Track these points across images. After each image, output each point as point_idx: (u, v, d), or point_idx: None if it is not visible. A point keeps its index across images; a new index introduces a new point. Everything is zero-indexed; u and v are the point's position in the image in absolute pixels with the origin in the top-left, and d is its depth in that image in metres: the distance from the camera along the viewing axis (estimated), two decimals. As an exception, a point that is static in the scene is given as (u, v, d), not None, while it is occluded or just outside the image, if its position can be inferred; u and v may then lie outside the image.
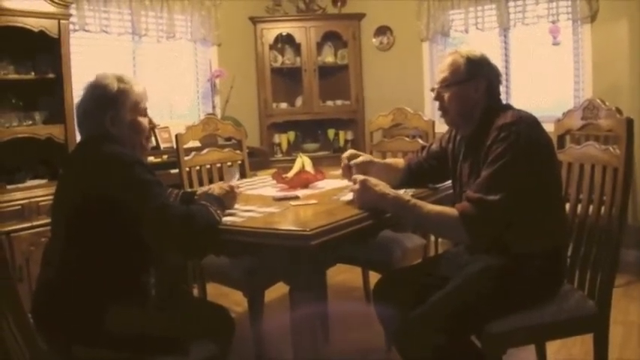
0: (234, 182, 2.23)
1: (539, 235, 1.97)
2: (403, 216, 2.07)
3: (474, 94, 2.08)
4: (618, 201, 1.97)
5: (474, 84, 2.07)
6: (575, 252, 2.15)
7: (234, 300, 3.16)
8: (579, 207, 2.19)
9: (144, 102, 1.99)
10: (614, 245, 1.98)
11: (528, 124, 1.95)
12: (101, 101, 1.91)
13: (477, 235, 1.91)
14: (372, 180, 2.10)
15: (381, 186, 2.06)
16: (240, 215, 2.04)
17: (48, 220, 3.20)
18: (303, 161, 2.73)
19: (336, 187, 2.60)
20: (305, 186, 2.60)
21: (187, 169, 3.04)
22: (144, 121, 2.00)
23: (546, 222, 1.98)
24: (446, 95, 2.10)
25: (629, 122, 1.95)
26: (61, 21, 3.45)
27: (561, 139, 2.37)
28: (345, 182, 2.68)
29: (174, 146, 3.10)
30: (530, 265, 1.95)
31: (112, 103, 1.91)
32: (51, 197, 3.18)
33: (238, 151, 3.37)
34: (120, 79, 1.94)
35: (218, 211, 1.92)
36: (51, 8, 3.40)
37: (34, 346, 1.54)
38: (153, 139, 4.07)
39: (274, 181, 2.71)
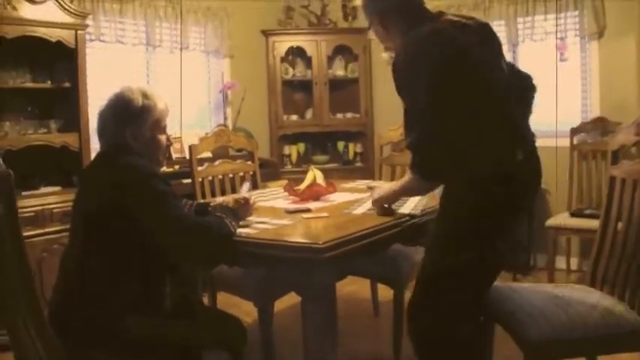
0: (247, 194, 2.25)
1: (481, 156, 1.87)
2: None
3: (382, 31, 2.08)
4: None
5: (376, 20, 2.07)
6: (627, 269, 2.05)
7: (244, 310, 3.17)
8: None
9: (164, 119, 2.02)
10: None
11: (416, 42, 1.88)
12: (124, 115, 1.93)
13: (428, 176, 1.95)
14: (375, 189, 2.26)
15: (377, 191, 2.23)
16: (253, 227, 2.06)
17: (61, 227, 3.26)
18: (314, 174, 2.75)
19: (347, 200, 2.61)
20: (316, 199, 2.62)
21: (200, 179, 3.06)
22: (162, 138, 2.02)
23: (488, 141, 1.87)
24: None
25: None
26: (78, 31, 3.50)
27: (615, 154, 2.36)
28: (355, 195, 2.70)
29: (187, 157, 3.12)
30: (479, 191, 1.88)
31: (134, 118, 1.93)
32: (64, 204, 3.25)
33: (250, 162, 3.40)
34: (145, 95, 1.96)
35: (233, 223, 1.94)
36: (69, 19, 3.45)
37: (54, 352, 1.57)
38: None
39: (286, 193, 2.73)
